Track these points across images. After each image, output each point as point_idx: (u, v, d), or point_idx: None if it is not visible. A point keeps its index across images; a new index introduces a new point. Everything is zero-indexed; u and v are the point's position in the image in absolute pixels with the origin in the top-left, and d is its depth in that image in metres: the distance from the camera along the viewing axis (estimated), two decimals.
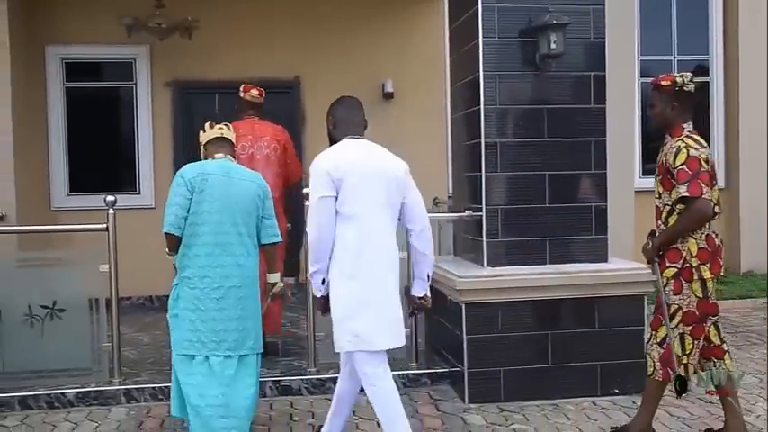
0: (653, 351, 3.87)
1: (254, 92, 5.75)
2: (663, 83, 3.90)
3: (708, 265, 3.76)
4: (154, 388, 4.84)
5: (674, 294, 3.79)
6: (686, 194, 3.68)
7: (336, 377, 4.81)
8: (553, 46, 4.66)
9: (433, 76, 8.15)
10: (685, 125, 3.86)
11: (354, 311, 3.53)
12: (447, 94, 7.47)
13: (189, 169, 4.05)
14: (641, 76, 8.66)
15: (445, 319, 5.05)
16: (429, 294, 3.86)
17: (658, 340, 3.84)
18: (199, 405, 3.82)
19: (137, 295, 7.63)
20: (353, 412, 4.55)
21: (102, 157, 8.10)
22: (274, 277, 4.29)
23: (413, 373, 5.05)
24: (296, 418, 4.49)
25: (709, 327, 3.86)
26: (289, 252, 5.63)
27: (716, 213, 3.79)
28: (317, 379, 4.95)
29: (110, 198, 4.89)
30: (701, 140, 3.83)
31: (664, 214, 3.87)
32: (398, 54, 8.23)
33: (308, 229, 3.63)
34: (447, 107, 7.46)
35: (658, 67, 8.80)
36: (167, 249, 4.06)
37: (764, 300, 7.45)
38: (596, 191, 4.87)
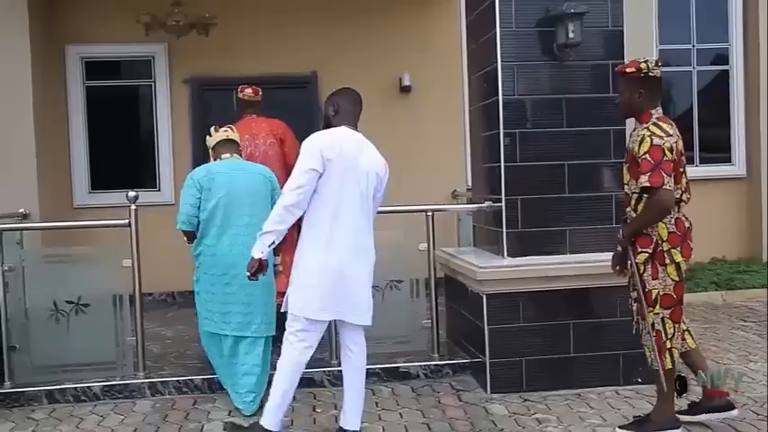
0: (647, 341, 3.88)
1: (249, 91, 5.94)
2: (628, 69, 3.89)
3: (679, 248, 3.82)
4: (178, 381, 4.89)
5: (653, 279, 3.82)
6: (647, 184, 3.70)
7: None
8: (571, 35, 4.64)
9: (451, 69, 8.14)
10: (653, 111, 3.87)
11: (314, 282, 3.73)
12: (464, 86, 7.49)
13: (198, 171, 4.59)
14: None
15: (466, 310, 5.06)
16: None
17: (648, 329, 3.86)
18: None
19: (158, 291, 7.68)
20: (376, 404, 4.58)
21: (122, 155, 8.19)
22: (277, 260, 4.80)
23: (435, 365, 5.07)
24: (318, 410, 4.52)
25: None
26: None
27: (683, 201, 3.93)
28: (339, 371, 4.91)
29: (132, 194, 4.94)
30: (668, 128, 3.81)
31: (632, 201, 3.89)
32: (415, 47, 8.22)
33: (284, 191, 3.73)
34: (464, 100, 7.46)
35: (677, 56, 8.76)
36: (186, 241, 4.67)
37: None
38: (616, 180, 4.84)
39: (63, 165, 7.90)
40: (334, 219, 3.74)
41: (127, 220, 4.94)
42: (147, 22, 7.09)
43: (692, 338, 4.03)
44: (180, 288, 7.48)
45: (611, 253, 4.09)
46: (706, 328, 6.35)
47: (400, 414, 4.40)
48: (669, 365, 3.85)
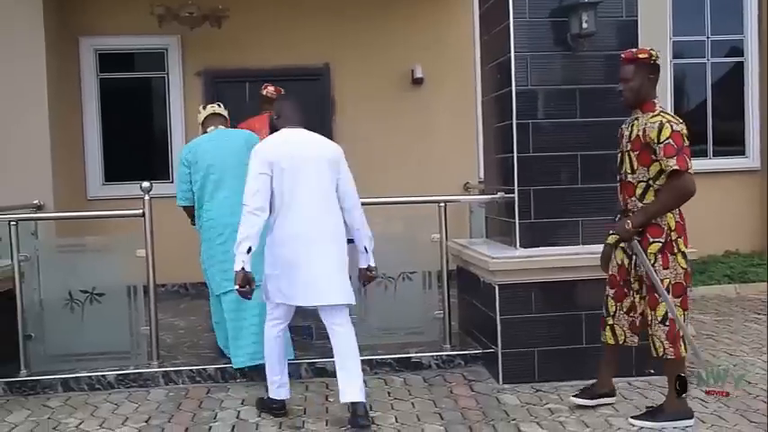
0: (657, 331, 3.86)
1: (271, 89, 6.10)
2: (641, 56, 3.90)
3: (682, 238, 3.87)
4: (191, 370, 4.92)
5: (664, 269, 3.83)
6: (676, 167, 3.70)
7: (370, 358, 4.97)
8: (585, 25, 4.62)
9: (463, 61, 8.13)
10: (656, 100, 3.91)
11: (278, 273, 4.04)
12: (477, 78, 7.48)
13: (184, 148, 5.12)
14: (673, 58, 8.56)
15: (478, 300, 5.06)
16: (373, 265, 4.25)
17: (659, 319, 3.85)
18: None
19: (171, 283, 7.72)
20: (388, 393, 4.60)
21: (135, 147, 8.23)
22: None
23: (447, 355, 5.08)
24: (331, 399, 4.53)
25: None
26: None
27: None
28: None
29: (146, 184, 4.97)
30: (677, 116, 3.88)
31: (638, 191, 3.87)
32: (428, 39, 8.21)
33: (244, 199, 3.98)
34: (477, 92, 7.45)
35: (691, 47, 8.71)
36: (190, 222, 5.16)
37: None
38: None
39: (77, 157, 7.95)
40: (291, 211, 3.99)
41: (141, 211, 4.97)
42: (160, 14, 7.12)
43: None
44: (192, 280, 7.51)
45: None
46: (719, 321, 6.33)
47: (412, 404, 4.41)
48: (684, 353, 3.86)
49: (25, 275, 4.97)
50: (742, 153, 8.80)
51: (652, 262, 3.83)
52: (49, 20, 7.26)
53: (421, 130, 8.22)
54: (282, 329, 4.22)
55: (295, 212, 4.00)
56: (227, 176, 4.81)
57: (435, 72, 8.20)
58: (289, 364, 4.58)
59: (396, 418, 4.17)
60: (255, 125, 5.79)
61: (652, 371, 4.64)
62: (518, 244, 4.83)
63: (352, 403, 4.01)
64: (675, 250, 3.83)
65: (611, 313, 4.08)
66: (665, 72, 8.03)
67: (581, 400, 4.18)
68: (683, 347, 3.85)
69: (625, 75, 3.92)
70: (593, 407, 4.18)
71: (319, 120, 7.89)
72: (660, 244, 3.83)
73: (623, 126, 4.07)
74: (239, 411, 4.37)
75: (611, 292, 4.08)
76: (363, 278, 4.30)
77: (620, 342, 4.08)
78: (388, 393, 4.60)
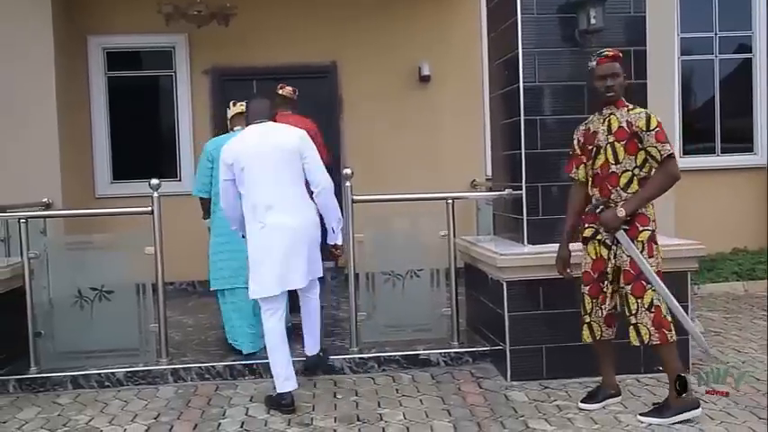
0: (643, 318, 3.91)
1: (289, 89, 6.15)
2: (620, 54, 4.05)
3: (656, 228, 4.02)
4: (200, 368, 4.94)
5: (650, 257, 3.91)
6: (672, 152, 3.89)
7: (378, 355, 4.98)
8: (593, 21, 4.61)
9: (470, 58, 8.13)
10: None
11: (255, 268, 4.34)
12: (484, 75, 7.48)
13: (209, 143, 5.37)
14: (681, 54, 8.53)
15: (486, 297, 5.06)
16: (339, 243, 4.58)
17: (646, 306, 3.90)
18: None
19: (179, 281, 7.74)
20: (396, 390, 4.61)
21: (143, 145, 8.25)
22: None
23: (454, 352, 5.07)
24: (339, 396, 4.54)
25: None
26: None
27: None
28: (360, 358, 5.00)
29: (154, 181, 4.98)
30: None
31: (623, 180, 3.94)
32: (435, 37, 8.21)
33: (222, 205, 4.52)
34: (484, 89, 7.44)
35: (699, 44, 8.68)
36: (202, 214, 5.41)
37: None
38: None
39: (85, 155, 7.98)
40: (257, 205, 4.28)
41: (150, 208, 4.98)
42: (168, 12, 7.13)
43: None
44: (200, 278, 7.50)
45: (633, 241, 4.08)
46: (727, 318, 6.31)
47: (420, 401, 4.41)
48: (673, 337, 3.92)
49: (35, 273, 5.00)
50: (750, 150, 8.77)
51: (640, 250, 3.90)
52: (57, 19, 7.29)
53: (428, 127, 8.22)
54: (279, 319, 4.35)
55: (260, 206, 4.27)
56: None
57: (442, 69, 8.20)
58: (295, 361, 4.64)
59: (404, 415, 4.17)
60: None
61: (660, 368, 4.61)
62: (526, 240, 4.82)
63: (312, 354, 4.75)
64: (656, 239, 3.98)
65: (588, 311, 4.11)
66: (673, 69, 8.01)
67: (588, 405, 4.16)
68: (670, 332, 3.91)
69: (615, 71, 4.00)
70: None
71: (326, 118, 7.91)
72: (649, 232, 3.93)
73: (587, 125, 4.14)
74: (248, 408, 4.38)
75: (585, 289, 4.11)
76: (330, 254, 4.67)
77: (597, 338, 4.13)
78: (396, 390, 4.61)
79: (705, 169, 8.44)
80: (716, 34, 8.70)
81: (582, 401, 4.20)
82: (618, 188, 3.96)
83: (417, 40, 8.19)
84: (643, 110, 4.00)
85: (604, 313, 4.08)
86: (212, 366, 4.95)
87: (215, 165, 5.00)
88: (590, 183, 4.11)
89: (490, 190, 5.98)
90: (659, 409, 4.00)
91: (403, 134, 8.16)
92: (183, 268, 7.05)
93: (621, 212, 3.88)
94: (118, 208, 6.50)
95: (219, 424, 4.16)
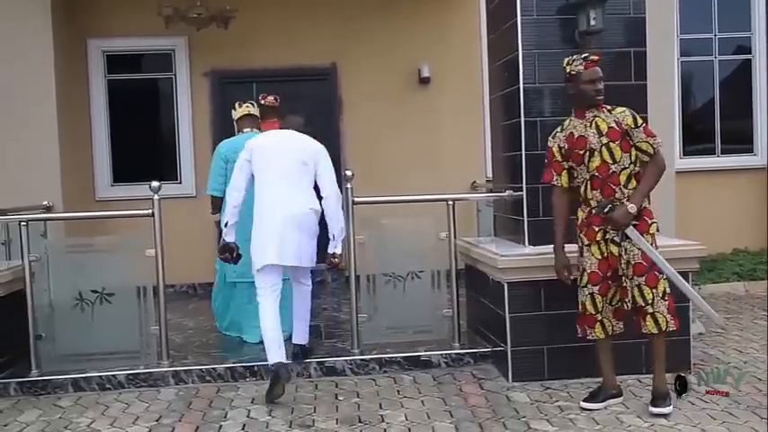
0: (660, 307, 4.01)
1: (270, 98, 6.00)
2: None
3: None
4: (201, 370, 4.93)
5: (656, 249, 4.03)
6: (661, 144, 4.04)
7: (379, 357, 4.98)
8: (592, 22, 4.62)
9: (470, 60, 8.14)
10: None
11: (256, 249, 4.69)
12: (484, 77, 7.47)
13: (224, 144, 5.65)
14: (681, 56, 8.53)
15: (487, 298, 5.06)
16: (338, 252, 4.80)
17: (660, 295, 4.01)
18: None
19: (179, 283, 7.73)
20: (397, 391, 4.61)
21: (143, 148, 8.24)
22: None
23: (456, 353, 5.07)
24: (341, 398, 4.54)
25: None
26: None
27: None
28: (361, 360, 5.00)
29: (155, 184, 4.97)
30: None
31: (623, 178, 4.04)
32: (434, 38, 8.22)
33: (227, 196, 4.81)
34: (484, 91, 7.44)
35: (699, 45, 8.68)
36: (211, 210, 5.68)
37: None
38: None
39: (85, 158, 7.97)
40: (268, 194, 4.70)
41: (150, 211, 4.98)
42: (168, 15, 7.13)
43: None
44: (201, 280, 7.53)
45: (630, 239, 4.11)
46: (729, 319, 6.31)
47: (422, 402, 4.41)
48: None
49: (35, 276, 4.99)
50: (750, 151, 8.78)
51: (650, 242, 4.00)
52: (57, 22, 7.29)
53: (428, 128, 8.22)
54: (275, 299, 4.68)
55: (273, 195, 4.70)
56: None
57: (442, 71, 8.21)
58: (297, 362, 4.80)
59: (405, 417, 4.17)
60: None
61: None
62: (527, 242, 4.82)
63: (297, 344, 4.96)
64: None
65: (600, 309, 4.14)
66: (673, 70, 8.01)
67: (590, 404, 4.17)
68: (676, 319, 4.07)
69: (600, 74, 4.13)
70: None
71: (326, 119, 7.91)
72: (656, 224, 4.08)
73: (566, 130, 4.18)
74: (249, 410, 4.37)
75: (594, 289, 4.13)
76: (328, 262, 4.84)
77: (609, 333, 4.18)
78: (398, 392, 4.61)
79: (705, 170, 8.45)
80: (715, 35, 8.71)
81: (583, 402, 4.20)
82: (620, 186, 4.03)
83: (417, 41, 8.19)
84: (624, 108, 4.11)
85: (612, 308, 4.15)
86: (213, 368, 4.95)
87: (228, 166, 5.31)
88: (586, 186, 4.13)
89: (491, 191, 5.98)
90: (662, 398, 4.06)
91: (403, 135, 8.16)
92: (183, 271, 7.06)
93: (633, 209, 3.97)
94: (118, 210, 6.50)
95: (221, 426, 4.16)
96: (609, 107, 4.12)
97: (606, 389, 4.23)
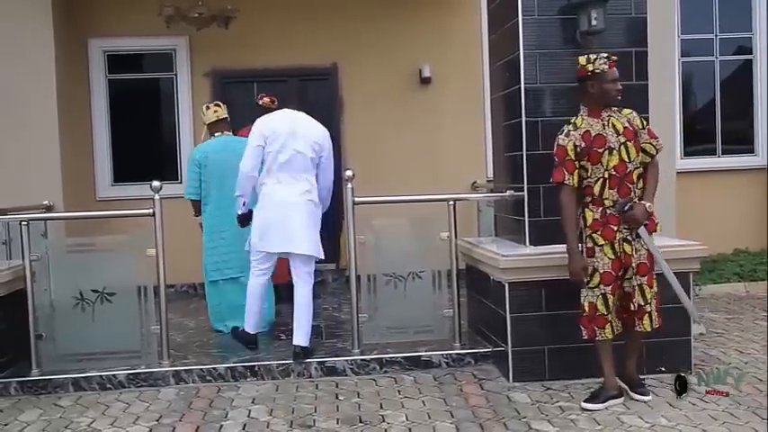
0: (652, 306, 4.14)
1: (267, 99, 6.07)
2: None
3: None
4: (202, 369, 4.93)
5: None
6: (662, 146, 4.18)
7: (380, 357, 4.97)
8: (594, 23, 4.61)
9: (471, 60, 8.13)
10: None
11: (259, 228, 5.01)
12: (485, 77, 7.47)
13: (196, 150, 5.97)
14: (681, 56, 8.53)
15: (488, 299, 5.06)
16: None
17: (655, 295, 4.15)
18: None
19: (180, 283, 7.73)
20: (398, 392, 4.60)
21: (144, 147, 8.24)
22: None
23: (456, 354, 5.07)
24: (341, 398, 4.54)
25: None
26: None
27: None
28: (362, 360, 4.99)
29: (156, 183, 4.97)
30: None
31: (635, 176, 4.12)
32: (435, 39, 8.21)
33: (241, 166, 5.04)
34: (485, 91, 7.44)
35: (699, 46, 8.68)
36: (193, 212, 5.92)
37: None
38: None
39: (86, 157, 7.97)
40: (273, 177, 4.97)
41: (151, 210, 4.98)
42: (169, 15, 7.13)
43: None
44: (201, 280, 7.47)
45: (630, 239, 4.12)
46: (730, 319, 6.31)
47: (423, 402, 4.41)
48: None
49: (36, 275, 4.99)
50: (751, 151, 8.78)
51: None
52: (57, 21, 7.29)
53: (429, 129, 8.22)
54: (265, 283, 5.18)
55: (278, 179, 4.97)
56: (228, 186, 5.41)
57: (443, 71, 8.20)
58: (298, 362, 4.88)
59: (406, 417, 4.17)
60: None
61: (663, 368, 4.64)
62: (528, 242, 4.82)
63: (298, 344, 4.98)
64: None
65: (611, 309, 4.15)
66: (674, 70, 8.01)
67: (591, 405, 4.17)
68: None
69: (616, 75, 4.14)
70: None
71: (327, 119, 7.88)
72: (659, 224, 4.16)
73: (580, 128, 4.14)
74: (250, 410, 4.37)
75: (606, 289, 4.12)
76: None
77: (616, 333, 4.22)
78: (399, 392, 4.60)
79: (706, 171, 8.45)
80: (716, 36, 8.71)
81: (584, 402, 4.20)
82: (634, 184, 4.11)
83: (418, 41, 8.19)
84: (630, 110, 4.22)
85: (618, 308, 4.21)
86: (214, 368, 4.95)
87: (202, 170, 5.72)
88: (602, 184, 4.10)
89: (491, 191, 5.98)
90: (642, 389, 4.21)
91: (404, 136, 8.16)
92: (184, 270, 7.03)
93: (651, 207, 4.06)
94: (119, 210, 6.50)
95: (221, 426, 4.15)
96: (616, 108, 4.19)
97: (607, 389, 4.22)
